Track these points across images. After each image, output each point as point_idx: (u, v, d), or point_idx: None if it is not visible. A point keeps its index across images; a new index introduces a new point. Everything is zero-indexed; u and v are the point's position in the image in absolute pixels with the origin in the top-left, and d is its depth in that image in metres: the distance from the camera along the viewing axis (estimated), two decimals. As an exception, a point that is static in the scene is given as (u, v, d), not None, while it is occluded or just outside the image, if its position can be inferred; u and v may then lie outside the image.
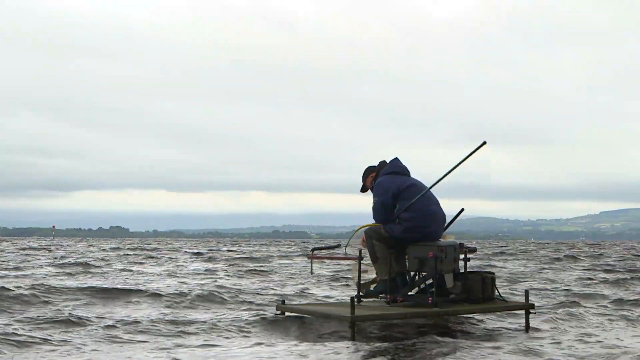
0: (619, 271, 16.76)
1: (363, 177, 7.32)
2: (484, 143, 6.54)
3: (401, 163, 7.16)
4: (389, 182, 6.96)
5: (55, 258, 21.59)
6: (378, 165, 7.24)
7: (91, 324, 6.89)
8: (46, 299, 8.86)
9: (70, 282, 11.27)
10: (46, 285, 10.09)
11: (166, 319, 7.33)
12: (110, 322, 6.93)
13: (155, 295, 9.38)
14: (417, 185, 6.99)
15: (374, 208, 6.99)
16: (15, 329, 6.44)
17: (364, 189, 7.35)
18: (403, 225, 6.79)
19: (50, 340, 6.02)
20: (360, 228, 7.19)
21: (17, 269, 15.78)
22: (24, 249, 31.05)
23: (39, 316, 7.28)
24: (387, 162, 7.19)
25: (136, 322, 6.98)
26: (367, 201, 7.16)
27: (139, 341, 6.11)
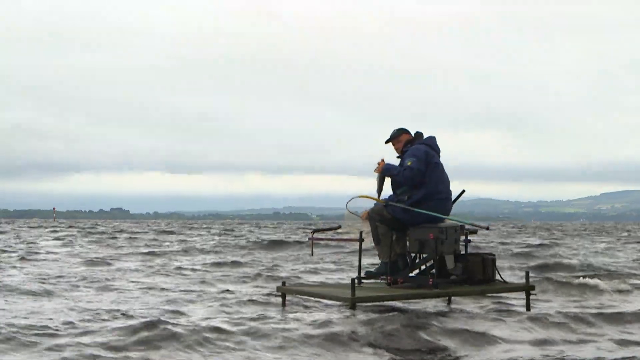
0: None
1: (395, 132, 7.25)
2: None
3: (436, 143, 7.21)
4: (426, 150, 7.01)
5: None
6: (415, 134, 7.27)
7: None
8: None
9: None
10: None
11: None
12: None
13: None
14: (441, 166, 7.06)
15: (408, 167, 6.87)
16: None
17: (389, 141, 7.30)
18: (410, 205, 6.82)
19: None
20: (361, 196, 7.20)
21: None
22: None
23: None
24: (424, 136, 7.23)
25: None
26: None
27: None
